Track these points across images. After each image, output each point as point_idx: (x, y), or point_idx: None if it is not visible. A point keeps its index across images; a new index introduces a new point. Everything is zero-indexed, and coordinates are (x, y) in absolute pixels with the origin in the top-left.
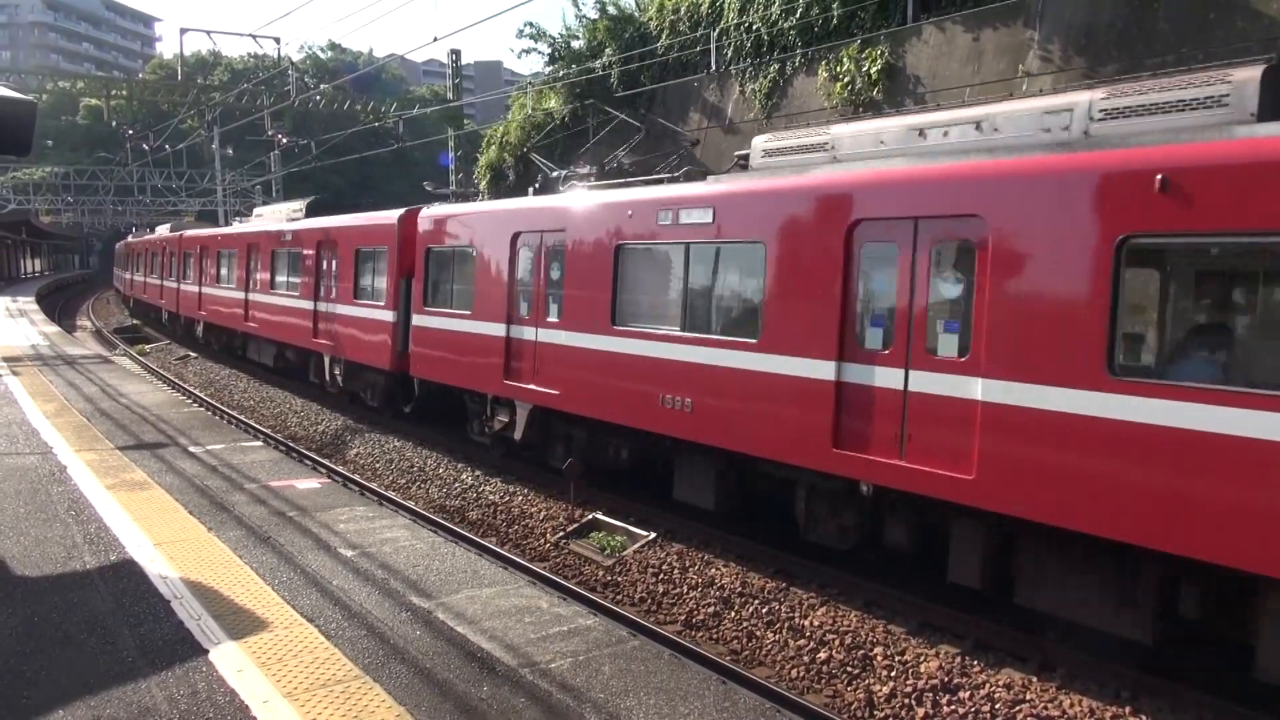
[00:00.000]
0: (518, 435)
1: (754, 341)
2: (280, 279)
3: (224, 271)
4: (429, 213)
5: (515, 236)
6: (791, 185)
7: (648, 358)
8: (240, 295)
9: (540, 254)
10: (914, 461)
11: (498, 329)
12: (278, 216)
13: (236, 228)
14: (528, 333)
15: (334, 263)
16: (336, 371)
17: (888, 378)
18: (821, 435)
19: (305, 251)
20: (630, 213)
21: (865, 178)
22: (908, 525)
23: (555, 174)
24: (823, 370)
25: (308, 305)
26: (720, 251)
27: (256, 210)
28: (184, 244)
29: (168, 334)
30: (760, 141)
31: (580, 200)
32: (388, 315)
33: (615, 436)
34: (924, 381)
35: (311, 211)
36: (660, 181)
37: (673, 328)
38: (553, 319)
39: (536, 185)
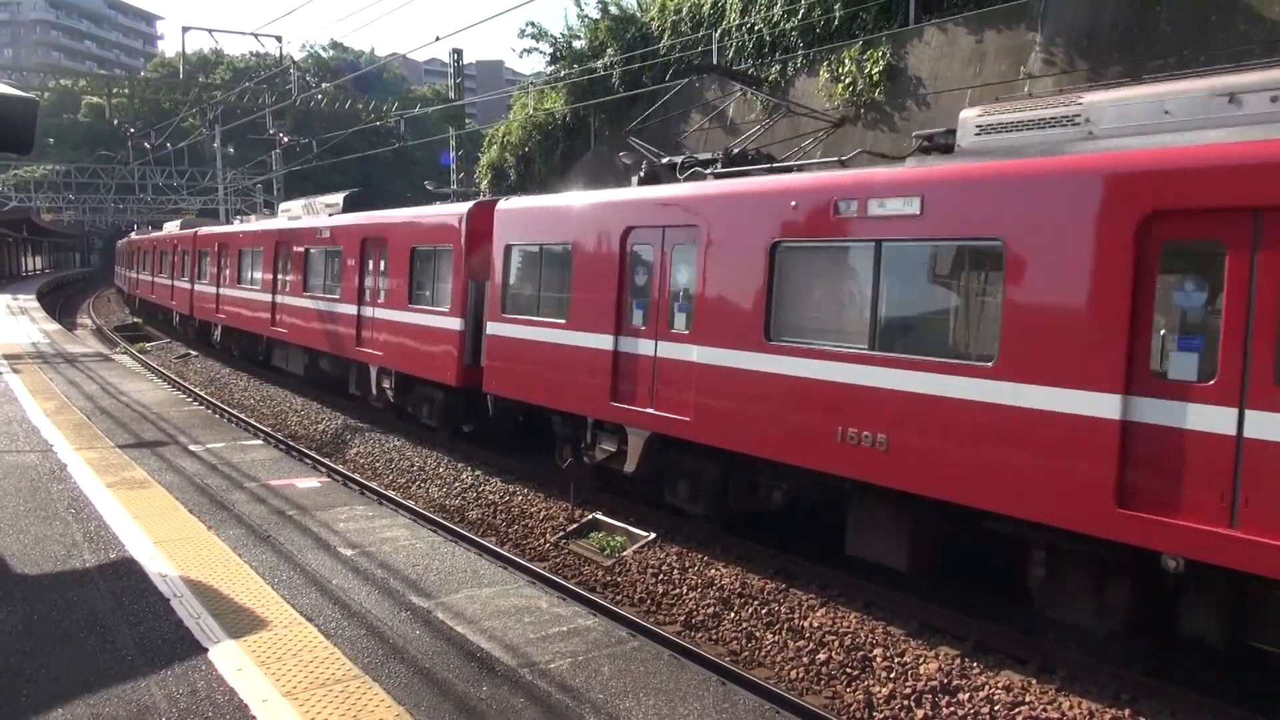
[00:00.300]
0: (630, 468)
1: (988, 366)
2: (316, 280)
3: (247, 272)
4: (510, 206)
5: (628, 232)
6: (1048, 168)
7: (820, 382)
8: (266, 298)
9: (662, 253)
10: (1254, 532)
11: (603, 341)
12: (310, 211)
13: (262, 224)
14: (644, 346)
15: (383, 263)
16: (386, 385)
17: (1208, 419)
18: (1096, 489)
19: (347, 250)
20: (794, 203)
21: (1170, 156)
22: (1221, 610)
23: (663, 160)
24: (1099, 405)
25: (350, 310)
26: (931, 251)
27: (283, 205)
28: (199, 241)
29: (168, 332)
30: (972, 116)
31: (718, 189)
32: (453, 323)
33: (764, 474)
34: (1275, 426)
35: (350, 205)
36: (792, 169)
37: (857, 345)
38: (679, 330)
39: (641, 174)
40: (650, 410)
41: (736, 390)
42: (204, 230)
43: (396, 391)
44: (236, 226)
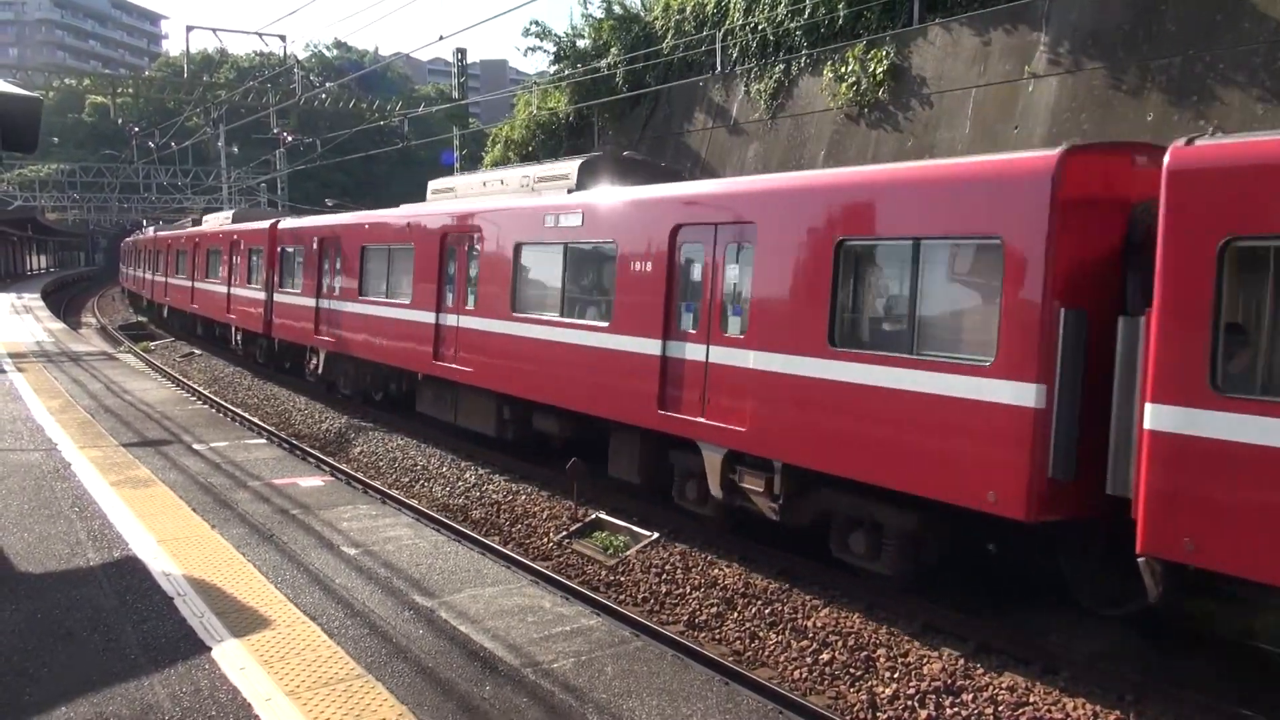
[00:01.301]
0: None
1: None
2: (541, 294)
3: (378, 279)
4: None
5: None
6: None
7: None
8: (423, 318)
9: None
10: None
11: None
12: (501, 189)
13: (413, 209)
14: None
15: (734, 269)
16: (750, 484)
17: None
18: None
19: (630, 248)
20: None
21: None
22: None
23: None
24: None
25: (640, 347)
26: None
27: (436, 184)
28: (282, 237)
29: (173, 332)
30: None
31: None
32: (1010, 393)
33: None
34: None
35: (586, 174)
36: None
37: None
38: None
39: None
40: None
41: None
42: (290, 222)
43: (787, 499)
44: (354, 216)
